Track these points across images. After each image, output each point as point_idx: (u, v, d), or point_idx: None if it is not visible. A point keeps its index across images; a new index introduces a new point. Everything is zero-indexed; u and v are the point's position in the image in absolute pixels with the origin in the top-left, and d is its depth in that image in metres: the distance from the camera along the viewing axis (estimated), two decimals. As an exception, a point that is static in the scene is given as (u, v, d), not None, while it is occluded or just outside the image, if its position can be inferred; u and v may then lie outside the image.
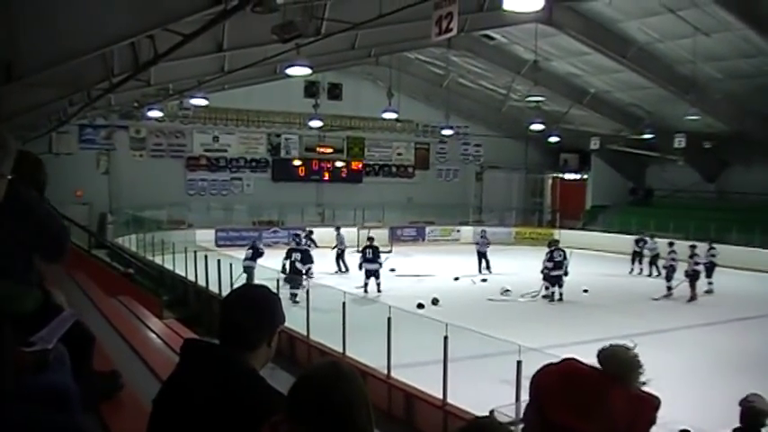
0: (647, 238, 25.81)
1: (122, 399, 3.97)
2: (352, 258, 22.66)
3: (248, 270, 19.01)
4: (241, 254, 19.97)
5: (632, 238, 26.94)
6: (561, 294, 19.74)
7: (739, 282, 22.30)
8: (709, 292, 21.15)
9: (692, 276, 20.29)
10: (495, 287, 20.92)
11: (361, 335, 12.26)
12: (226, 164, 33.91)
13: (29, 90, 10.61)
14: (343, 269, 24.13)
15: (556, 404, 1.09)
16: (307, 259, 19.23)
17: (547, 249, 20.43)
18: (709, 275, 21.54)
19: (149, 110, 24.91)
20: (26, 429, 2.31)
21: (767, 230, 27.14)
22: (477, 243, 26.10)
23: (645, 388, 1.22)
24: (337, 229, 26.00)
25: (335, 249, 24.86)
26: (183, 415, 2.13)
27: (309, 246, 22.97)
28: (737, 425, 5.09)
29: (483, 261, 24.93)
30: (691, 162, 32.78)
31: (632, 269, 25.86)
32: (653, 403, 1.15)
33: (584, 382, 1.10)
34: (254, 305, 2.28)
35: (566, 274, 19.82)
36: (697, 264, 20.35)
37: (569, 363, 1.18)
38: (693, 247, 20.80)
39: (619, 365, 1.12)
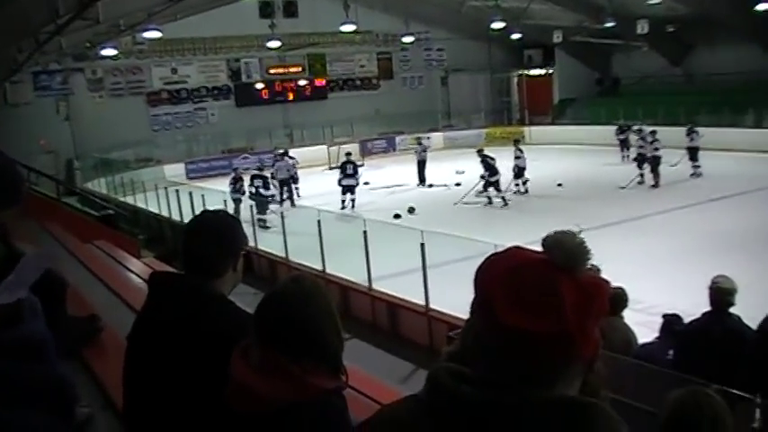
0: (633, 126, 25.20)
1: (105, 341, 4.00)
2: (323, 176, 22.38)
3: (236, 201, 18.76)
4: (212, 184, 19.74)
5: (604, 128, 27.01)
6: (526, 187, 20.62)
7: (712, 162, 22.33)
8: (695, 175, 21.30)
9: (652, 162, 20.40)
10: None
11: (341, 251, 12.36)
12: (187, 95, 33.15)
13: (-29, 39, 10.26)
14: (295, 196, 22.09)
15: (504, 303, 1.06)
16: (267, 186, 19.23)
17: (513, 148, 21.07)
18: (694, 159, 21.61)
19: (103, 49, 24.27)
20: (2, 384, 2.30)
21: (736, 110, 27.30)
22: (415, 152, 24.79)
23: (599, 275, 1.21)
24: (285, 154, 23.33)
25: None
26: (156, 347, 2.15)
27: (295, 163, 22.70)
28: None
29: (423, 171, 23.95)
30: (655, 47, 32.51)
31: (623, 157, 25.59)
32: (603, 288, 1.12)
33: (533, 274, 1.08)
34: (214, 233, 2.28)
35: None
36: (656, 149, 20.33)
37: (515, 252, 1.15)
38: (654, 132, 20.87)
39: (565, 253, 1.09)
